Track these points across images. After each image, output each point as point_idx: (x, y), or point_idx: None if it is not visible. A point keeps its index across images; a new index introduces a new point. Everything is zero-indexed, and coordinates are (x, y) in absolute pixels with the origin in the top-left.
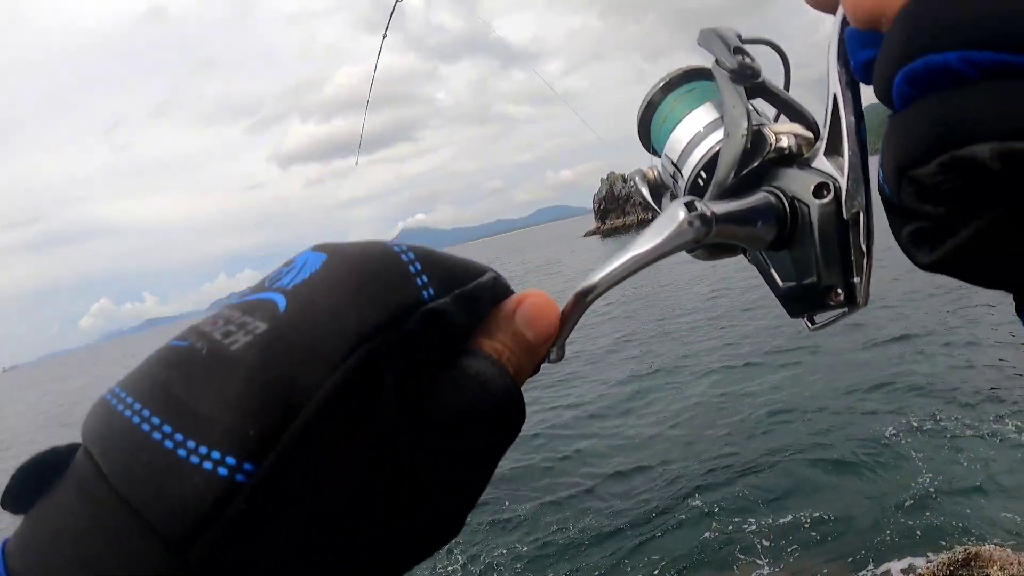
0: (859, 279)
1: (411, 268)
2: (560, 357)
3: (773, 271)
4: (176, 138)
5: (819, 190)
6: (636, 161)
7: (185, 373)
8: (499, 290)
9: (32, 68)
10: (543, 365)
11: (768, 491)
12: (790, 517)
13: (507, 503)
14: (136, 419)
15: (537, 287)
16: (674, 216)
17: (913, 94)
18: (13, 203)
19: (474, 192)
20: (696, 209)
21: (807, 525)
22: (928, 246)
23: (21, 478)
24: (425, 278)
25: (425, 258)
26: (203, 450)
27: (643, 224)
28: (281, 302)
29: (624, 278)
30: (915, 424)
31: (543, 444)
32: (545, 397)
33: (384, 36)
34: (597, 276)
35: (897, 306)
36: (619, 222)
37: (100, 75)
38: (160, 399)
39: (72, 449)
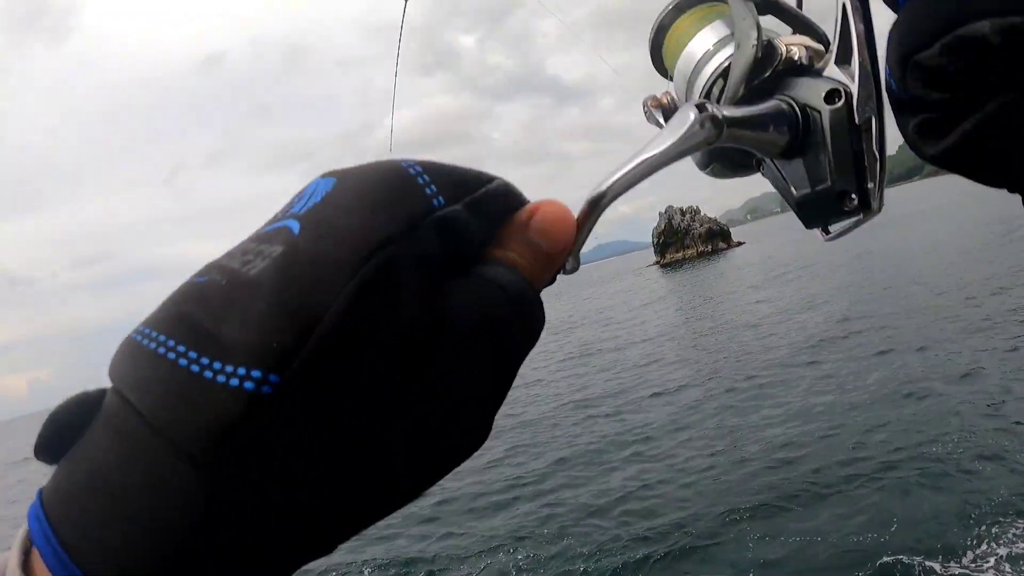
0: (873, 184)
1: (419, 180)
2: (575, 268)
3: (787, 182)
4: (234, 182)
5: (831, 96)
6: (693, 197)
7: (207, 303)
8: (511, 199)
9: (100, 115)
10: (559, 277)
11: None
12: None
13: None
14: (162, 350)
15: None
16: (685, 118)
17: None
18: (80, 243)
19: None
20: (707, 110)
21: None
22: (935, 136)
23: (52, 427)
24: (434, 187)
25: (432, 169)
26: (229, 368)
27: (703, 256)
28: (295, 226)
29: (636, 182)
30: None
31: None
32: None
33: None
34: (609, 182)
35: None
36: (679, 255)
37: (161, 122)
38: (185, 329)
39: (103, 393)
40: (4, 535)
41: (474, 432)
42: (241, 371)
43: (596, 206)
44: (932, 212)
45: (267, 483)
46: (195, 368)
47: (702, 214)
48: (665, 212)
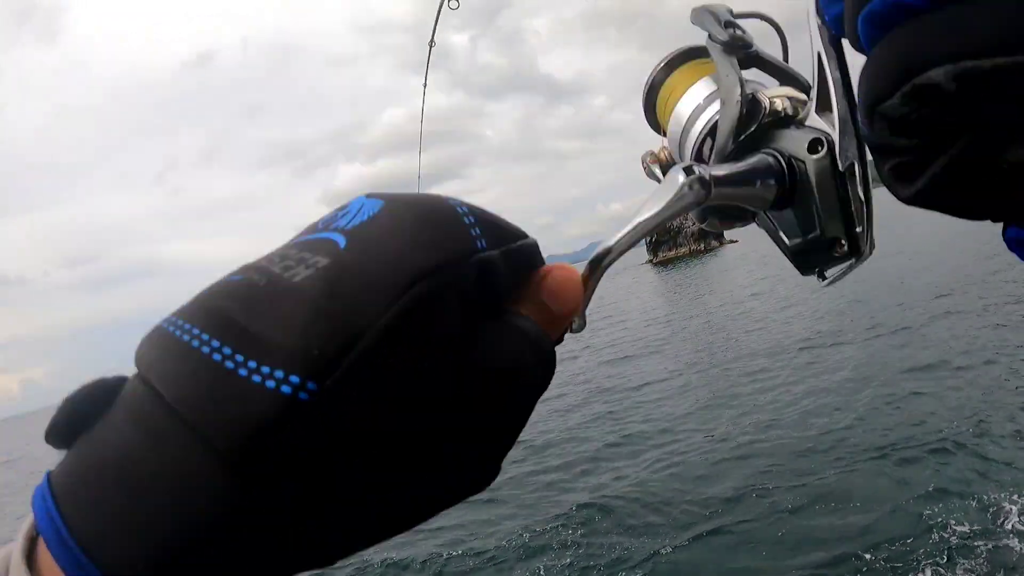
0: (861, 228)
1: (466, 220)
2: (582, 327)
3: (780, 231)
4: (225, 181)
5: (813, 146)
6: None
7: (245, 302)
8: (535, 257)
9: (90, 114)
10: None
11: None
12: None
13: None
14: (196, 343)
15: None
16: (673, 181)
17: (876, 35)
18: (72, 242)
19: (525, 228)
20: (694, 173)
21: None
22: (908, 180)
23: (67, 410)
24: (479, 230)
25: (478, 213)
26: (265, 369)
27: (695, 255)
28: (341, 241)
29: (634, 243)
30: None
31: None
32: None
33: (424, 85)
34: (609, 244)
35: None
36: (671, 254)
37: (152, 122)
38: (220, 324)
39: (121, 381)
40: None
41: (488, 466)
42: (279, 374)
43: (598, 267)
44: (923, 213)
45: (293, 489)
46: (230, 364)
47: None
48: None
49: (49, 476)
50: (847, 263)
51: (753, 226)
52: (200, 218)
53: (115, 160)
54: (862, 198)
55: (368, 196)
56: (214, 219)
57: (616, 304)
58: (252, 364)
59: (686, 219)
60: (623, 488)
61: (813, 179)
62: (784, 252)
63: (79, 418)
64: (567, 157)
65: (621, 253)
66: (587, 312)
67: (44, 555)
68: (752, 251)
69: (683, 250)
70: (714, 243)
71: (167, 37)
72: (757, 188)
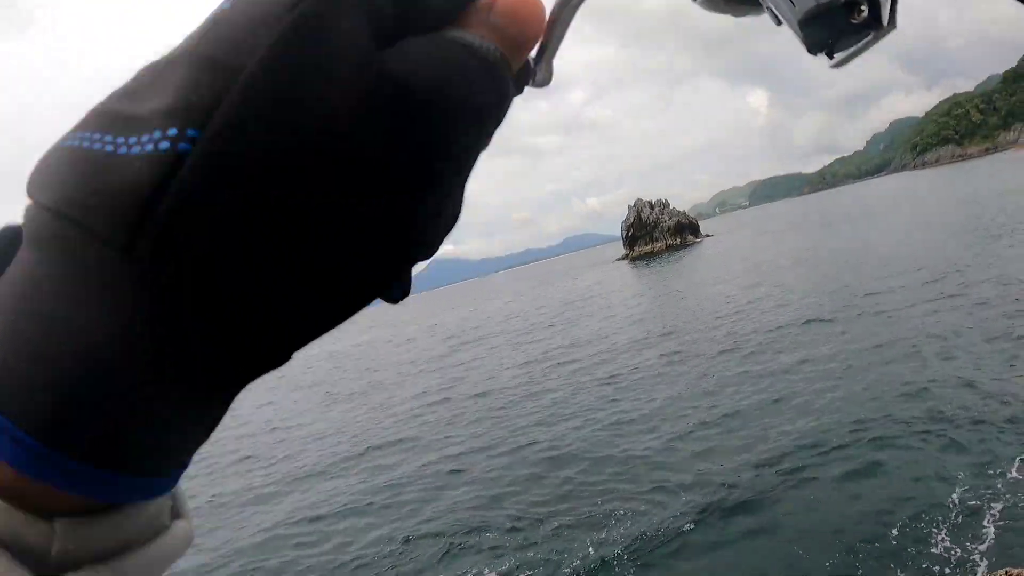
0: None
1: None
2: (546, 79)
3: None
4: None
5: None
6: (662, 191)
7: (127, 92)
8: None
9: (70, 112)
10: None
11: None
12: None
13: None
14: (76, 142)
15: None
16: None
17: None
18: None
19: (502, 223)
20: None
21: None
22: None
23: None
24: None
25: None
26: (144, 137)
27: (671, 249)
28: (227, 4)
29: None
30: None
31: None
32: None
33: None
34: None
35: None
36: (647, 248)
37: None
38: (103, 119)
39: None
40: None
41: (429, 223)
42: (156, 134)
43: (567, 5)
44: (904, 204)
45: (200, 260)
46: (109, 148)
47: (671, 207)
48: (634, 205)
49: None
50: (863, 39)
51: (727, 222)
52: None
53: None
54: None
55: None
56: None
57: (606, 296)
58: (132, 140)
59: (662, 213)
60: (639, 465)
61: None
62: (792, 27)
63: None
64: (543, 152)
65: None
66: (572, 314)
67: None
68: (728, 246)
69: (660, 245)
70: (691, 238)
71: (148, 33)
72: None
